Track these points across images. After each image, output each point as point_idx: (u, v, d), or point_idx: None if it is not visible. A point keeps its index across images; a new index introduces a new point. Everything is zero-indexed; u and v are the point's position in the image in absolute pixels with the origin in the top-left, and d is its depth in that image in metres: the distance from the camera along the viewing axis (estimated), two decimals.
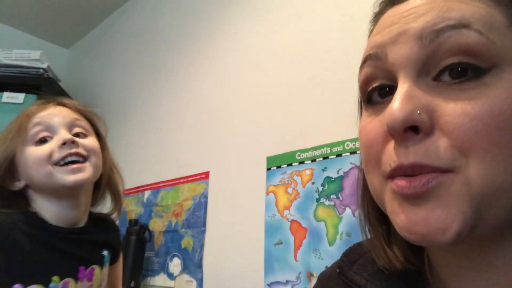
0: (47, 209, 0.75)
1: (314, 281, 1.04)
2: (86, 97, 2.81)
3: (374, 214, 0.42)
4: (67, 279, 0.74)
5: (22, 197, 0.76)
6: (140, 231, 1.77)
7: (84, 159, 0.76)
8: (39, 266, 0.71)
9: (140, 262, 1.75)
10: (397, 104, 0.30)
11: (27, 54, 2.43)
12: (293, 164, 1.40)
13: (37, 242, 0.71)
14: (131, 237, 1.73)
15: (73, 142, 0.74)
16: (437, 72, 0.31)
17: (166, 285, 1.71)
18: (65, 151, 0.73)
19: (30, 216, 0.74)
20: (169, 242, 1.78)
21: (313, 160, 1.35)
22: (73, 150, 0.74)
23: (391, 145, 0.32)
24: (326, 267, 1.20)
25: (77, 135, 0.78)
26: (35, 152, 0.73)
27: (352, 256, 0.48)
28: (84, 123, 0.82)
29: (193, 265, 1.63)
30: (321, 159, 1.32)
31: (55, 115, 0.77)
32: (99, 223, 0.88)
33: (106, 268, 0.87)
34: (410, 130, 0.30)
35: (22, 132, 0.74)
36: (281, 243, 1.34)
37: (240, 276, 1.44)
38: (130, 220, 1.82)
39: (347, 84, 1.30)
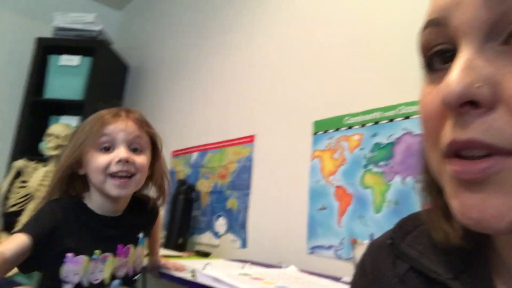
0: (95, 200, 0.94)
1: (358, 247, 1.02)
2: (137, 58, 2.87)
3: (435, 185, 0.38)
4: (106, 254, 0.91)
5: (83, 182, 0.95)
6: (187, 191, 1.83)
7: (132, 175, 0.91)
8: (86, 242, 0.88)
9: (188, 221, 1.82)
10: (454, 76, 0.27)
11: (82, 17, 2.51)
12: (340, 129, 1.35)
13: (86, 224, 0.91)
14: (179, 196, 1.79)
15: (127, 161, 0.90)
16: (506, 36, 0.27)
17: (211, 243, 1.77)
18: (119, 167, 0.89)
19: (82, 205, 0.93)
20: (214, 203, 1.82)
21: (363, 125, 1.29)
22: (125, 168, 0.90)
23: (451, 120, 0.29)
24: (371, 234, 1.18)
25: (134, 149, 0.93)
26: (97, 159, 0.90)
27: (406, 227, 0.44)
28: (143, 140, 0.96)
29: (238, 225, 1.67)
30: (371, 124, 1.26)
31: (122, 131, 0.92)
32: (140, 207, 1.02)
33: (140, 248, 1.00)
34: (469, 104, 0.27)
35: (93, 139, 0.90)
36: (324, 208, 1.32)
37: (283, 238, 1.45)
38: (179, 180, 1.88)
39: (402, 44, 1.21)
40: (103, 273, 0.89)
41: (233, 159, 1.79)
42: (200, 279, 0.90)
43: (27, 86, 2.38)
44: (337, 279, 1.08)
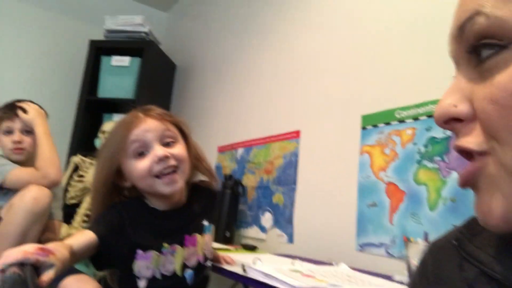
0: (153, 201, 0.96)
1: (411, 246, 0.98)
2: (183, 58, 2.94)
3: None
4: (174, 245, 0.93)
5: (135, 189, 0.96)
6: (234, 186, 1.85)
7: (176, 168, 0.91)
8: (153, 237, 0.91)
9: (234, 214, 1.85)
10: (441, 99, 0.34)
11: (131, 19, 2.61)
12: (391, 123, 1.30)
13: (151, 221, 0.94)
14: (226, 191, 1.82)
15: (166, 157, 0.90)
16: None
17: (258, 237, 1.78)
18: (161, 166, 0.89)
19: (144, 204, 0.96)
20: (261, 197, 1.83)
21: (416, 119, 1.23)
22: (167, 164, 0.90)
23: None
24: (426, 233, 1.13)
25: (167, 143, 0.93)
26: (137, 166, 0.90)
27: (475, 227, 0.41)
28: (171, 131, 0.95)
29: (284, 220, 1.66)
30: (425, 117, 1.20)
31: (148, 131, 0.91)
32: (198, 193, 1.04)
33: (207, 235, 1.01)
34: (453, 120, 0.32)
35: (122, 148, 0.90)
36: (375, 205, 1.29)
37: (331, 234, 1.43)
38: (225, 175, 1.91)
39: None
40: (174, 265, 0.92)
41: (279, 154, 1.79)
42: (251, 274, 0.90)
43: (82, 86, 2.51)
44: (388, 277, 1.05)
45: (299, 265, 1.06)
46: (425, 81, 1.23)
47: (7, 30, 2.58)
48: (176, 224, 0.96)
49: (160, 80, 2.81)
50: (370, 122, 1.38)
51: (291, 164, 1.70)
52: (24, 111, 1.42)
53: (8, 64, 2.55)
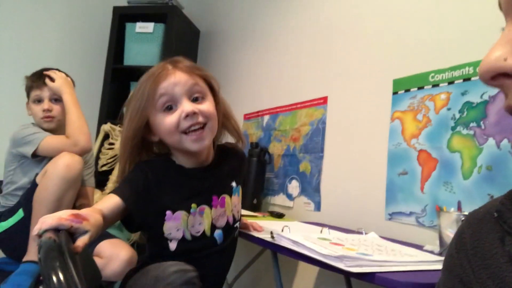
0: (180, 157, 0.94)
1: (444, 215, 0.96)
2: (207, 23, 2.88)
3: None
4: (203, 206, 0.92)
5: (163, 144, 0.95)
6: (260, 154, 1.85)
7: (204, 125, 0.89)
8: (181, 197, 0.90)
9: (261, 182, 1.85)
10: (489, 52, 0.30)
11: None
12: (425, 87, 1.24)
13: (178, 181, 0.92)
14: (252, 158, 1.82)
15: (194, 113, 0.87)
16: None
17: (285, 204, 1.79)
18: (189, 122, 0.87)
19: (171, 162, 0.95)
20: (287, 165, 1.83)
21: (451, 83, 1.17)
22: (195, 121, 0.87)
23: None
24: (459, 202, 1.10)
25: (196, 98, 0.90)
26: (165, 121, 0.87)
27: None
28: (200, 86, 0.91)
29: (311, 188, 1.66)
30: (461, 81, 1.14)
31: (176, 85, 0.87)
32: (225, 155, 1.02)
33: (235, 197, 1.00)
34: (502, 76, 0.30)
35: (151, 101, 0.87)
36: (406, 173, 1.25)
37: (359, 203, 1.42)
38: (251, 143, 1.91)
39: None
40: (203, 225, 0.91)
41: (306, 121, 1.76)
42: (280, 241, 0.91)
43: (107, 54, 2.52)
44: (419, 247, 1.03)
45: (327, 233, 1.06)
46: (461, 42, 1.15)
47: (30, 1, 2.59)
48: (203, 184, 0.94)
49: (184, 46, 2.78)
50: (402, 86, 1.32)
51: (318, 132, 1.67)
52: (51, 79, 1.44)
53: (35, 33, 2.58)
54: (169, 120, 0.87)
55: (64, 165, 1.25)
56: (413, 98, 1.27)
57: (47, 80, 1.43)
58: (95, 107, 2.50)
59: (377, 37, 1.45)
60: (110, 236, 1.33)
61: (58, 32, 2.66)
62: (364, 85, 1.48)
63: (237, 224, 1.01)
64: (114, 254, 1.21)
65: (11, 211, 1.34)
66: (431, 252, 0.96)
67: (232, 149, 1.05)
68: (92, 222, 0.67)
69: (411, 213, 1.22)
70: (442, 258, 0.84)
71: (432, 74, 1.22)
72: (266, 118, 2.05)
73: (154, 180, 0.89)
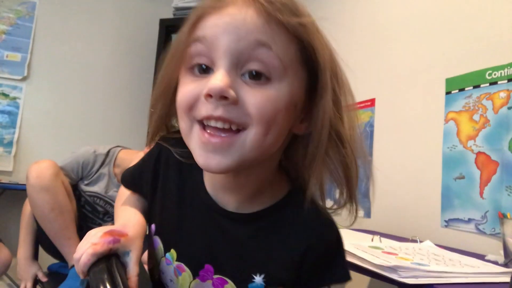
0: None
1: (507, 222, 0.88)
2: None
3: None
4: (182, 264, 0.57)
5: None
6: None
7: (237, 129, 0.44)
8: (169, 225, 0.59)
9: None
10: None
11: None
12: (481, 86, 1.17)
13: (184, 193, 0.59)
14: None
15: (222, 97, 0.42)
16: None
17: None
18: (208, 109, 0.43)
19: (195, 168, 0.52)
20: None
21: (511, 80, 1.09)
22: (217, 114, 0.43)
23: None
24: None
25: (255, 75, 0.43)
26: (181, 89, 0.47)
27: None
28: (279, 50, 0.43)
29: (360, 193, 1.60)
30: None
31: (228, 32, 0.42)
32: (292, 219, 0.54)
33: None
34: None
35: (184, 49, 0.46)
36: (463, 177, 1.18)
37: (412, 209, 1.35)
38: None
39: None
40: (174, 286, 0.56)
41: None
42: None
43: (155, 65, 2.61)
44: (480, 256, 0.96)
45: (379, 241, 1.02)
46: None
47: (83, 15, 2.75)
48: (209, 233, 0.53)
49: None
50: (456, 85, 1.25)
51: (365, 135, 1.62)
52: None
53: (88, 46, 2.74)
54: (186, 89, 0.46)
55: (33, 177, 1.21)
56: (469, 98, 1.20)
57: None
58: (144, 118, 2.60)
59: (427, 35, 1.39)
60: None
61: (109, 44, 2.81)
62: (414, 86, 1.42)
63: None
64: None
65: None
66: (495, 262, 0.89)
67: (309, 213, 0.53)
68: (133, 233, 0.50)
69: (469, 220, 1.14)
70: (508, 269, 0.78)
71: (489, 72, 1.14)
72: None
73: (163, 173, 0.58)
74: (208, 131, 0.44)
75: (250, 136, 0.43)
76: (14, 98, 2.50)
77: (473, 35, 1.21)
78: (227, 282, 0.52)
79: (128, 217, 0.55)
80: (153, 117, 0.56)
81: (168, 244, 0.55)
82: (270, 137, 0.44)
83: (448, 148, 1.24)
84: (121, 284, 0.41)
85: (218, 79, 0.42)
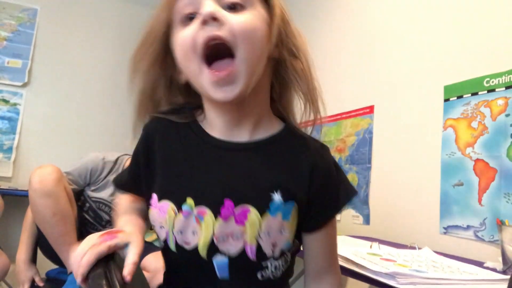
0: (211, 114, 0.60)
1: (506, 229, 0.89)
2: None
3: None
4: (203, 208, 0.57)
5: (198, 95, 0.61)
6: None
7: (230, 48, 0.51)
8: (177, 180, 0.60)
9: None
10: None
11: None
12: (479, 93, 1.17)
13: (187, 149, 0.61)
14: None
15: (214, 18, 0.51)
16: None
17: None
18: (206, 34, 0.51)
19: (197, 127, 0.61)
20: None
21: (508, 87, 1.09)
22: (212, 33, 0.50)
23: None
24: None
25: (232, 6, 0.53)
26: (178, 37, 0.54)
27: None
28: None
29: (359, 201, 1.61)
30: None
31: None
32: (288, 141, 0.64)
33: (274, 219, 0.56)
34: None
35: (170, 9, 0.55)
36: (461, 184, 1.18)
37: (411, 216, 1.35)
38: None
39: None
40: (197, 237, 0.54)
41: (351, 131, 1.72)
42: None
43: None
44: (478, 263, 0.96)
45: (378, 248, 1.02)
46: None
47: (83, 22, 2.77)
48: (223, 171, 0.57)
49: None
50: (454, 92, 1.26)
51: (365, 142, 1.63)
52: None
53: (87, 55, 2.76)
54: (184, 33, 0.53)
55: (36, 182, 1.21)
56: (467, 105, 1.20)
57: None
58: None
59: (425, 42, 1.40)
60: (156, 249, 1.35)
61: (109, 51, 2.83)
62: (413, 93, 1.43)
63: (269, 263, 0.56)
64: (161, 267, 1.23)
65: None
66: (493, 269, 0.89)
67: (306, 139, 0.64)
68: (131, 230, 0.53)
69: (468, 227, 1.14)
70: (506, 276, 0.78)
71: (487, 79, 1.15)
72: (309, 129, 2.02)
73: (160, 135, 0.61)
74: (214, 69, 0.52)
75: (243, 57, 0.52)
76: (15, 104, 2.51)
77: (471, 43, 1.22)
78: (249, 210, 0.54)
79: (125, 221, 0.59)
80: (136, 95, 0.62)
81: (181, 196, 0.55)
82: (256, 53, 0.54)
83: (447, 155, 1.24)
84: None
85: (208, 5, 0.52)
